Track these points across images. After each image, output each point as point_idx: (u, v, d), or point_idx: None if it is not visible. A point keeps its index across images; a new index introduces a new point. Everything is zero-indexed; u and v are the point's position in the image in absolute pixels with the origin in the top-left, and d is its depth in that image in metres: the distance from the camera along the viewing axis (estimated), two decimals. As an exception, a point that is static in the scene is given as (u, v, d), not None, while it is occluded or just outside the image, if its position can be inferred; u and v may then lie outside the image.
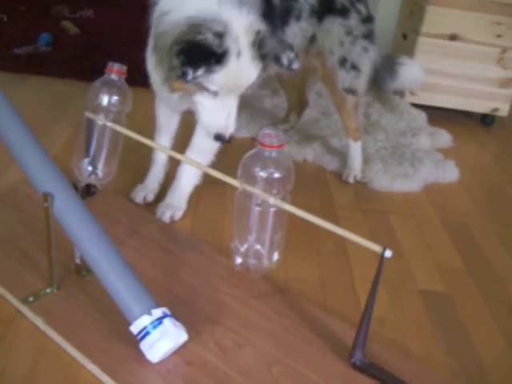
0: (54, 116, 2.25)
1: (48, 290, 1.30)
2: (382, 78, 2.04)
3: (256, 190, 1.24)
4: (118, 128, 1.49)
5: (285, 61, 1.41)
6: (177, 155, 1.43)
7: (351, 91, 1.96)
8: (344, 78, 1.94)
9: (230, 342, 1.24)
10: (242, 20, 1.39)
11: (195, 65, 1.33)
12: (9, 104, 1.32)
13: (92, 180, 1.58)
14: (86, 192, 1.63)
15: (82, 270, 1.35)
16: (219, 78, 1.38)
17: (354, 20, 1.89)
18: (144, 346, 1.13)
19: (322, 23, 1.86)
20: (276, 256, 1.32)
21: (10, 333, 1.21)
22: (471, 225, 1.90)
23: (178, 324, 1.16)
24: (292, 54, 1.41)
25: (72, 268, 1.35)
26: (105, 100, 1.54)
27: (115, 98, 1.54)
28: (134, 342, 1.14)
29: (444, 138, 2.51)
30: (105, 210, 1.60)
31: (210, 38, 1.33)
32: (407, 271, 1.61)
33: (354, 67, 1.92)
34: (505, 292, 1.59)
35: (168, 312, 1.16)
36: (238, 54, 1.37)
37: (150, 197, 1.76)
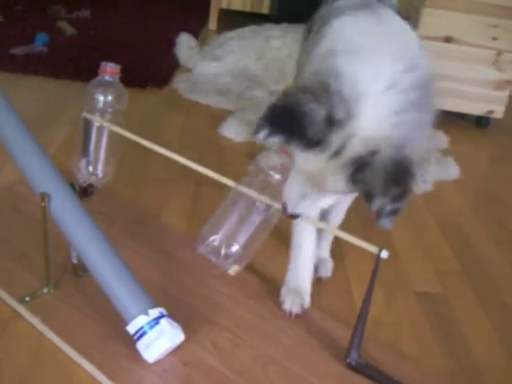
0: (51, 116, 2.25)
1: (45, 290, 1.30)
2: None
3: (252, 192, 1.26)
4: (115, 128, 1.49)
5: (375, 206, 1.02)
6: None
7: None
8: None
9: (227, 342, 1.24)
10: (379, 123, 1.00)
11: (273, 129, 1.00)
12: (7, 103, 1.32)
13: (92, 180, 1.59)
14: (84, 192, 1.63)
15: (79, 270, 1.35)
16: (299, 159, 1.09)
17: None
18: (141, 345, 1.13)
19: None
20: (242, 264, 1.35)
21: (6, 332, 1.21)
22: (466, 225, 1.91)
23: (175, 324, 1.17)
24: (390, 207, 1.02)
25: (69, 268, 1.36)
26: (100, 101, 1.54)
27: (110, 98, 1.55)
28: (130, 341, 1.14)
29: (441, 139, 2.51)
30: (101, 210, 1.60)
31: (319, 116, 0.98)
32: (403, 272, 1.61)
33: None
34: (500, 293, 1.59)
35: (165, 312, 1.17)
36: (333, 155, 1.02)
37: (307, 303, 1.39)
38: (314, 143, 1.00)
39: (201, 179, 1.70)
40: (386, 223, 1.04)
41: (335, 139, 0.99)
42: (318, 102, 0.98)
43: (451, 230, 1.86)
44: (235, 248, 1.33)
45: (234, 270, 1.35)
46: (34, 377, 1.12)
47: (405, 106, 1.01)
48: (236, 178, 1.38)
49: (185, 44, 3.19)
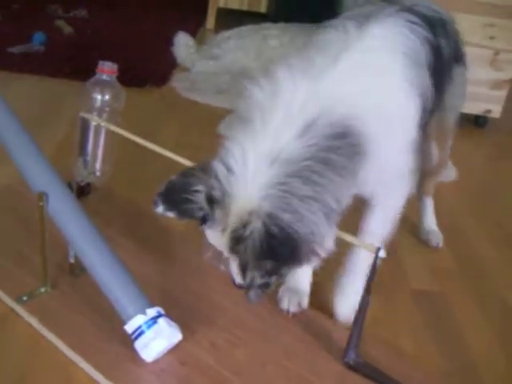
0: (48, 115, 2.25)
1: (42, 290, 1.30)
2: None
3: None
4: (113, 128, 1.49)
5: (246, 278, 1.07)
6: (176, 157, 1.42)
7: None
8: (453, 136, 1.70)
9: (224, 341, 1.24)
10: (248, 197, 1.02)
11: (166, 206, 1.11)
12: (4, 103, 1.32)
13: (90, 179, 1.58)
14: (81, 191, 1.63)
15: (76, 270, 1.35)
16: (207, 233, 1.12)
17: (464, 63, 1.56)
18: (138, 345, 1.13)
19: (451, 76, 1.46)
20: None
21: (3, 332, 1.21)
22: (464, 225, 1.91)
23: (173, 323, 1.17)
24: (260, 280, 1.06)
25: (66, 267, 1.35)
26: (98, 100, 1.54)
27: (108, 97, 1.55)
28: (128, 341, 1.14)
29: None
30: (98, 209, 1.60)
31: (201, 196, 1.07)
32: (400, 271, 1.61)
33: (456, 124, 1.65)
34: (498, 292, 1.60)
35: (162, 311, 1.17)
36: (222, 231, 1.07)
37: (305, 302, 1.39)
38: (201, 220, 1.09)
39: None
40: (253, 296, 1.08)
41: (218, 216, 1.06)
42: (202, 182, 1.07)
43: (449, 230, 1.86)
44: None
45: None
46: (32, 376, 1.11)
47: (279, 178, 1.01)
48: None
49: (182, 43, 3.19)
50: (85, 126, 1.54)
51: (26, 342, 1.19)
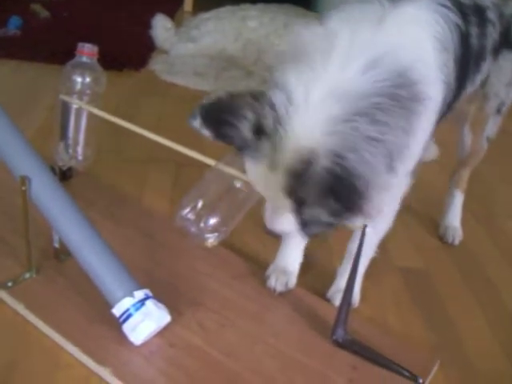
0: (27, 99, 2.22)
1: (27, 275, 1.29)
2: None
3: (233, 171, 1.24)
4: (94, 110, 1.47)
5: (307, 214, 0.97)
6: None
7: (490, 140, 1.64)
8: (492, 125, 1.60)
9: (213, 322, 1.24)
10: (310, 131, 0.92)
11: (203, 120, 1.02)
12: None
13: (72, 163, 1.57)
14: (63, 175, 1.61)
15: (61, 254, 1.33)
16: (247, 166, 1.04)
17: None
18: (127, 328, 1.12)
19: (497, 60, 1.41)
20: (220, 236, 1.29)
21: (-11, 318, 1.20)
22: (447, 203, 1.92)
23: (161, 305, 1.16)
24: (327, 219, 0.97)
25: (50, 252, 1.34)
26: (78, 83, 1.52)
27: (88, 79, 1.53)
28: (116, 324, 1.13)
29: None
30: (81, 192, 1.57)
31: (246, 122, 0.96)
32: (385, 248, 1.61)
33: (501, 113, 1.57)
34: (481, 268, 1.61)
35: (150, 294, 1.16)
36: (271, 167, 0.97)
37: (293, 282, 1.39)
38: (241, 147, 0.99)
39: (181, 160, 1.68)
40: (310, 231, 1.00)
41: (265, 150, 0.96)
42: (250, 109, 0.96)
43: (432, 206, 1.87)
44: (213, 220, 1.30)
45: (211, 242, 1.31)
46: (20, 363, 1.11)
47: (346, 115, 0.92)
48: (215, 159, 1.36)
49: (161, 26, 3.16)
50: (65, 109, 1.52)
51: (12, 327, 1.18)
